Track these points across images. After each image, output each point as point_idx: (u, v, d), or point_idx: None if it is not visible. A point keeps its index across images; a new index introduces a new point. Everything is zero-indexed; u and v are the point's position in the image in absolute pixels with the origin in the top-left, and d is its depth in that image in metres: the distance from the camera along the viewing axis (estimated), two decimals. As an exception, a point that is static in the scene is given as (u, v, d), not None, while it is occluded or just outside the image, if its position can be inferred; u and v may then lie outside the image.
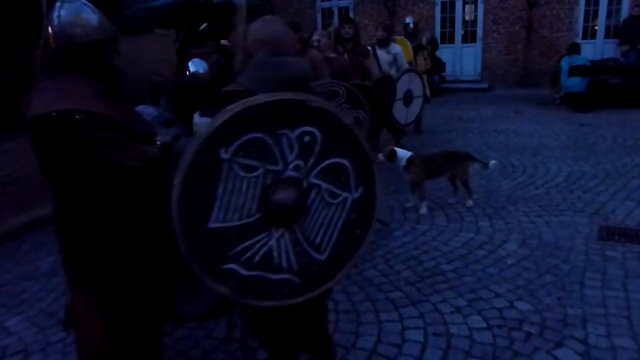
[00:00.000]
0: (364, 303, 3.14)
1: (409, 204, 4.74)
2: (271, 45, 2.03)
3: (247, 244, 1.84)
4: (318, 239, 1.97)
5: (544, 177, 5.48)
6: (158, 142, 1.98)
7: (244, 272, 1.85)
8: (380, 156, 4.47)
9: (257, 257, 1.87)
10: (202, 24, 5.88)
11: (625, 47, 10.09)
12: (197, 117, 3.45)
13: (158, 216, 1.90)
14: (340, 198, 1.99)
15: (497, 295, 3.15)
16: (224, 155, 1.75)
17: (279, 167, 1.84)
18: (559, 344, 2.67)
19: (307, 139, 1.86)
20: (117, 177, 1.81)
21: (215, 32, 5.65)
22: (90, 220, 1.89)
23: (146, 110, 2.27)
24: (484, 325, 2.86)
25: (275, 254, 1.90)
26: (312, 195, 1.93)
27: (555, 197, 4.85)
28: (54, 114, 1.72)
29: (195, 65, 3.56)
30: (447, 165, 4.67)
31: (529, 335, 2.75)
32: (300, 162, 1.87)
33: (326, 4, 13.88)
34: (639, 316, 2.87)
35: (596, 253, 3.66)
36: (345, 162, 1.96)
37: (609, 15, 11.79)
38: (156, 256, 2.08)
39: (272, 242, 1.89)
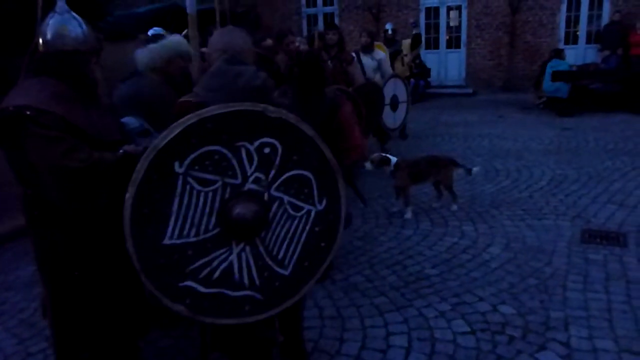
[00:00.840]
0: (349, 309, 3.14)
1: (394, 209, 4.76)
2: (230, 53, 2.03)
3: (205, 259, 1.78)
4: (281, 254, 1.92)
5: (528, 181, 5.54)
6: (120, 151, 1.98)
7: (202, 289, 1.79)
8: (368, 165, 4.49)
9: (217, 274, 1.81)
10: (184, 30, 5.87)
11: (606, 52, 10.30)
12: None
13: (112, 221, 1.91)
14: (304, 211, 1.93)
15: (481, 299, 3.17)
16: (179, 169, 1.68)
17: (238, 181, 1.78)
18: (542, 347, 2.69)
19: (267, 150, 1.80)
20: (58, 176, 1.82)
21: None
22: (43, 218, 1.96)
23: (129, 122, 2.30)
24: (468, 329, 2.88)
25: (236, 269, 1.84)
26: (274, 208, 1.87)
27: (538, 200, 4.91)
28: (10, 108, 1.80)
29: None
30: (431, 170, 4.70)
31: (512, 338, 2.77)
32: (261, 175, 1.81)
33: (311, 10, 13.93)
34: (620, 318, 2.91)
35: (578, 256, 3.71)
36: (307, 173, 1.91)
37: (590, 20, 12.01)
38: (106, 258, 2.09)
39: (233, 257, 1.82)
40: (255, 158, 1.79)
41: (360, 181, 4.07)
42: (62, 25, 1.95)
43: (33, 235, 2.03)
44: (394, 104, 6.45)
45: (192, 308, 1.78)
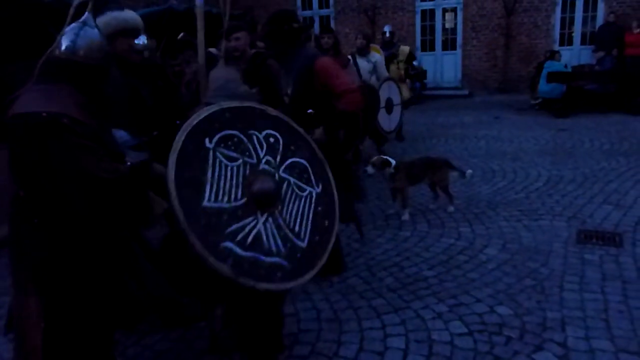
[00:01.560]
0: (347, 311, 3.14)
1: (391, 211, 4.76)
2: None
3: (238, 225, 2.00)
4: (297, 227, 2.19)
5: (524, 182, 5.55)
6: (128, 163, 2.03)
7: (240, 251, 1.96)
8: (370, 169, 4.49)
9: (250, 239, 2.02)
10: (180, 33, 5.87)
11: (600, 53, 10.35)
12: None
13: (116, 231, 2.02)
14: (307, 192, 2.30)
15: (478, 300, 3.18)
16: (209, 144, 2.03)
17: (254, 160, 2.16)
18: (539, 348, 2.69)
19: (272, 140, 2.25)
20: (88, 186, 1.84)
21: (192, 41, 5.64)
22: (45, 226, 1.93)
23: (118, 134, 2.33)
24: (465, 330, 2.88)
25: (264, 237, 2.06)
26: (284, 187, 2.22)
27: (534, 201, 4.92)
28: (43, 114, 1.78)
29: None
30: (427, 171, 4.72)
31: (509, 339, 2.78)
32: (270, 158, 2.22)
33: (307, 13, 13.96)
34: (617, 319, 2.92)
35: (575, 256, 3.72)
36: (303, 162, 2.34)
37: (584, 22, 12.07)
38: (108, 268, 2.10)
39: (260, 226, 2.07)
40: (264, 144, 2.21)
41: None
42: (93, 39, 1.99)
43: (27, 242, 1.97)
44: (389, 106, 6.47)
45: (234, 268, 1.93)
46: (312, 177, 2.35)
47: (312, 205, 2.28)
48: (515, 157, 6.62)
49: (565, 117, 9.01)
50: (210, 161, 2.02)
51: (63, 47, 1.96)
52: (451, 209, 4.73)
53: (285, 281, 2.08)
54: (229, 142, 2.09)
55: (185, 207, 1.88)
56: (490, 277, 3.48)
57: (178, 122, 3.80)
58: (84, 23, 2.02)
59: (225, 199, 2.01)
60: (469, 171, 5.00)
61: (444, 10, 13.04)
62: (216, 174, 2.01)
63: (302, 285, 2.33)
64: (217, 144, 2.05)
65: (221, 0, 5.88)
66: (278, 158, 2.25)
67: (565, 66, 9.91)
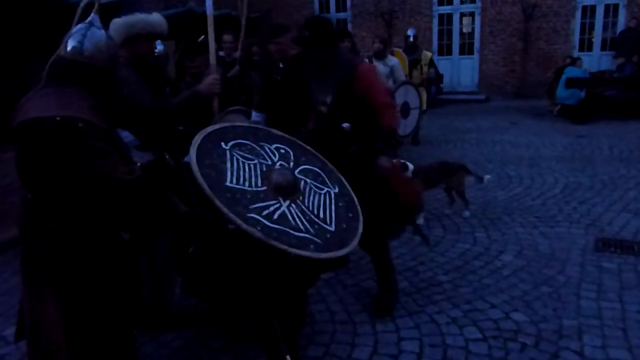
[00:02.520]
0: (361, 314, 3.15)
1: (406, 215, 4.75)
2: None
3: (263, 204, 2.03)
4: (321, 214, 2.20)
5: (541, 189, 5.50)
6: (138, 164, 2.02)
7: (267, 223, 1.97)
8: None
9: (275, 216, 2.03)
10: (201, 36, 5.94)
11: (620, 60, 10.19)
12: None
13: (130, 230, 2.02)
14: (324, 190, 2.33)
15: (493, 306, 3.16)
16: (225, 146, 2.17)
17: (269, 162, 2.25)
18: (555, 355, 2.67)
19: (282, 151, 2.36)
20: (107, 189, 1.82)
21: (213, 44, 5.69)
22: (61, 230, 1.90)
23: (122, 134, 2.35)
24: (480, 336, 2.87)
25: (290, 217, 2.07)
26: (302, 184, 2.27)
27: (551, 208, 4.88)
28: (57, 118, 1.77)
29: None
30: (443, 176, 4.70)
31: (524, 346, 2.76)
32: (284, 163, 2.31)
33: (325, 16, 14.00)
34: (635, 328, 2.88)
35: (592, 264, 3.67)
36: (316, 168, 2.41)
37: (605, 27, 11.91)
38: (125, 268, 2.10)
39: (284, 209, 2.09)
40: (276, 153, 2.33)
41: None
42: (100, 40, 1.96)
43: (42, 248, 1.93)
44: (405, 110, 6.44)
45: (264, 232, 1.92)
46: (327, 181, 2.40)
47: (333, 200, 2.30)
48: (532, 163, 6.56)
49: (584, 123, 8.90)
50: (228, 157, 2.13)
51: (69, 48, 1.93)
52: (467, 214, 4.71)
53: (319, 251, 2.03)
54: (244, 148, 2.22)
55: (209, 182, 1.96)
56: (506, 283, 3.46)
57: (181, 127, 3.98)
58: (91, 24, 1.98)
59: (247, 184, 2.07)
60: (487, 176, 4.97)
61: (462, 15, 12.97)
62: (235, 166, 2.11)
63: (335, 257, 2.20)
64: (232, 147, 2.18)
65: (239, 3, 5.96)
66: (291, 164, 2.33)
67: (585, 72, 9.80)
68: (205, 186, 1.94)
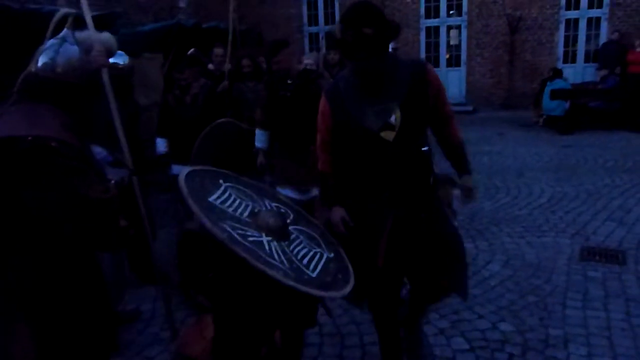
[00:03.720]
0: (348, 326, 3.15)
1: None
2: None
3: (240, 226, 1.89)
4: (305, 261, 1.98)
5: (527, 199, 5.56)
6: (112, 181, 1.95)
7: (238, 237, 1.82)
8: None
9: (250, 239, 1.87)
10: (190, 49, 5.97)
11: (604, 71, 10.37)
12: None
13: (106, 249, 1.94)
14: (317, 250, 2.06)
15: (480, 317, 3.18)
16: (222, 182, 2.09)
17: (263, 209, 2.09)
18: (541, 365, 2.69)
19: (282, 210, 2.20)
20: (80, 209, 1.75)
21: (201, 58, 5.73)
22: (30, 252, 1.82)
23: (95, 150, 2.30)
24: (467, 346, 2.88)
25: (266, 247, 1.89)
26: (293, 235, 2.05)
27: (538, 218, 4.93)
28: (29, 138, 1.69)
29: (115, 57, 3.67)
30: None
31: (511, 356, 2.77)
32: (281, 216, 2.10)
33: (313, 29, 14.11)
34: (620, 336, 2.91)
35: (578, 273, 3.71)
36: (314, 234, 2.17)
37: (588, 39, 12.13)
38: (96, 290, 2.02)
39: (263, 240, 1.92)
40: (275, 209, 2.17)
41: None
42: (74, 57, 1.89)
43: (11, 271, 1.82)
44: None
45: (231, 240, 1.76)
46: (323, 245, 2.13)
47: (322, 261, 2.03)
48: (519, 173, 6.63)
49: (569, 134, 9.03)
50: (222, 188, 2.04)
51: (40, 64, 1.85)
52: (454, 224, 4.73)
53: (288, 279, 1.79)
54: (240, 192, 2.10)
55: (190, 188, 1.88)
56: (493, 293, 3.48)
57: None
58: (64, 40, 1.91)
59: (231, 209, 1.96)
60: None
61: (449, 27, 13.15)
62: (225, 195, 2.02)
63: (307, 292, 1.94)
64: (230, 186, 2.09)
65: (229, 15, 5.99)
66: (288, 220, 2.12)
67: (566, 81, 9.98)
68: (184, 189, 1.84)
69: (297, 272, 1.88)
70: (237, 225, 1.88)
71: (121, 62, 3.65)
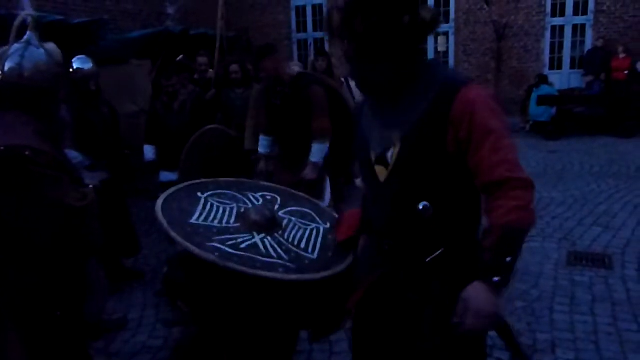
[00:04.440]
0: (337, 332, 3.13)
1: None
2: None
3: (229, 236, 1.87)
4: (302, 245, 1.97)
5: (515, 204, 5.59)
6: (90, 186, 1.93)
7: (230, 250, 1.78)
8: (359, 181, 4.53)
9: (243, 245, 1.84)
10: (179, 56, 5.96)
11: (589, 78, 10.53)
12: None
13: (84, 255, 1.92)
14: (312, 226, 2.09)
15: (469, 322, 3.18)
16: (201, 195, 2.06)
17: (249, 206, 2.09)
18: (529, 370, 2.71)
19: (268, 197, 2.20)
20: (57, 217, 1.73)
21: (190, 64, 5.72)
22: (11, 261, 1.78)
23: (71, 155, 2.27)
24: (456, 352, 2.88)
25: (261, 246, 1.87)
26: (285, 221, 2.07)
27: (525, 223, 4.95)
28: (1, 148, 1.66)
29: (79, 62, 3.69)
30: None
31: (499, 361, 2.79)
32: (268, 207, 2.12)
33: (302, 36, 14.15)
34: (606, 340, 2.94)
35: (565, 278, 3.75)
36: (306, 209, 2.19)
37: (573, 46, 12.29)
38: (78, 291, 2.00)
39: (257, 240, 1.90)
40: (261, 199, 2.16)
41: (351, 201, 4.08)
42: (41, 60, 1.83)
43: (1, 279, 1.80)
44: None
45: (222, 258, 1.72)
46: (318, 218, 2.15)
47: (321, 234, 2.02)
48: (507, 179, 6.67)
49: (556, 139, 9.14)
50: (202, 203, 2.03)
51: (6, 70, 1.78)
52: (443, 230, 4.75)
53: (290, 273, 1.77)
54: (223, 196, 2.10)
55: (169, 219, 1.83)
56: (481, 298, 3.49)
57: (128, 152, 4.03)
58: (28, 43, 1.84)
59: (216, 222, 1.93)
60: None
61: (436, 34, 13.24)
62: (207, 209, 2.00)
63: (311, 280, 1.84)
64: (210, 196, 2.08)
65: (218, 22, 6.00)
66: (276, 207, 2.15)
67: (552, 87, 10.10)
68: (163, 222, 1.80)
69: (297, 260, 1.88)
70: (226, 236, 1.86)
71: (85, 67, 3.68)
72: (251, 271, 1.69)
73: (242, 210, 2.02)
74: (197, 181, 2.19)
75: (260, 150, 4.03)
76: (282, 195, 2.25)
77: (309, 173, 3.64)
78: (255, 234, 1.91)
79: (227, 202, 2.07)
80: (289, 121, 3.71)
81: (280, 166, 3.88)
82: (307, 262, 1.89)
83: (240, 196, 2.14)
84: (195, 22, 9.98)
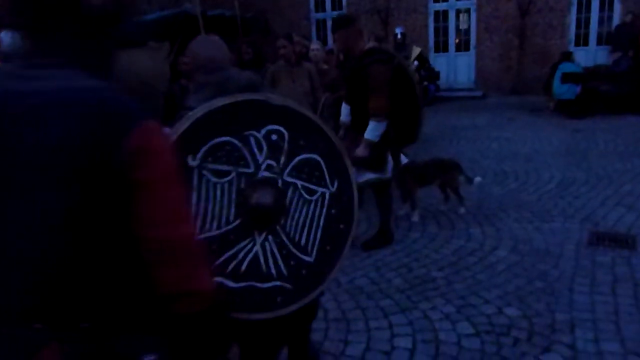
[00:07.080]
0: (354, 311, 3.16)
1: (401, 212, 4.76)
2: (209, 65, 2.05)
3: (230, 253, 1.78)
4: (303, 239, 1.93)
5: (536, 184, 5.51)
6: None
7: (231, 284, 1.76)
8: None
9: (244, 266, 1.80)
10: (196, 37, 5.95)
11: (617, 54, 10.19)
12: None
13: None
14: (318, 194, 1.98)
15: (487, 302, 3.17)
16: (192, 162, 1.71)
17: (251, 169, 1.82)
18: (547, 349, 2.68)
19: (274, 137, 1.86)
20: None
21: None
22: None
23: None
24: (473, 331, 2.88)
25: (262, 260, 1.84)
26: (289, 194, 1.90)
27: (546, 203, 4.89)
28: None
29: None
30: (437, 173, 4.71)
31: (517, 340, 2.77)
32: (272, 162, 1.85)
33: (320, 15, 14.01)
34: (627, 321, 2.89)
35: (586, 258, 3.68)
36: (316, 156, 1.95)
37: (600, 22, 11.91)
38: None
39: (257, 248, 1.84)
40: (265, 145, 1.84)
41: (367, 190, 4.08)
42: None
43: None
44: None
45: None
46: (326, 175, 2.00)
47: (325, 208, 1.99)
48: (528, 158, 6.56)
49: (580, 118, 8.91)
50: (195, 183, 1.71)
51: None
52: (462, 210, 4.72)
53: (287, 305, 1.85)
54: (219, 153, 1.75)
55: None
56: (500, 278, 3.47)
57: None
58: None
59: (215, 225, 1.76)
60: (478, 179, 4.92)
61: (458, 11, 12.98)
62: (202, 197, 1.74)
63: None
64: (204, 158, 1.72)
65: (235, 3, 5.96)
66: (282, 159, 1.89)
67: (578, 65, 9.82)
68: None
69: (295, 272, 1.86)
70: (227, 255, 1.75)
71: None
72: (252, 316, 1.76)
73: (243, 185, 1.79)
74: (186, 126, 1.70)
75: (342, 118, 4.22)
76: (292, 126, 1.91)
77: (360, 150, 3.71)
78: (256, 235, 1.81)
79: (225, 168, 1.77)
80: (354, 95, 3.82)
81: (349, 138, 3.93)
82: (304, 272, 1.88)
83: (240, 145, 1.79)
84: (213, 3, 9.94)
